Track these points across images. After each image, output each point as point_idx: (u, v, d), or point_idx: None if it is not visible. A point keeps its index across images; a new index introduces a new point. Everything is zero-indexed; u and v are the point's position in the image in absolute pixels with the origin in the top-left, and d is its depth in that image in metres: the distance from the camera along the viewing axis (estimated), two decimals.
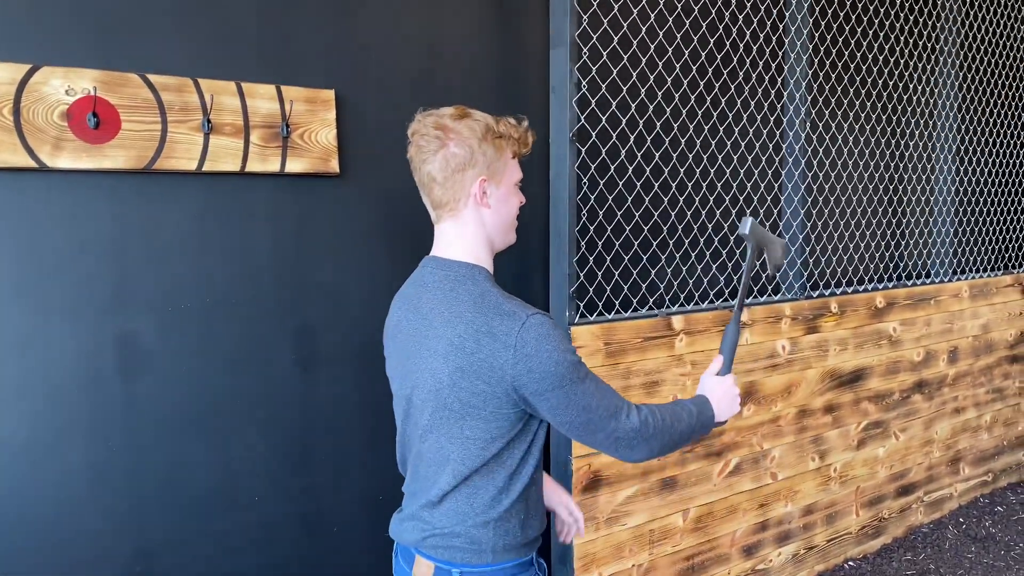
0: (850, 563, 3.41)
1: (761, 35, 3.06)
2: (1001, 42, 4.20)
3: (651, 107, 2.69)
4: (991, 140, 4.22)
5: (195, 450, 1.96)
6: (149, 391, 1.90)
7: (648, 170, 2.73)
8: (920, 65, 3.78)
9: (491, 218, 1.41)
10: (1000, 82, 4.22)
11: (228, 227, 1.99)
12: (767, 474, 3.07)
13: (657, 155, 2.75)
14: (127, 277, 1.86)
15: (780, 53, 3.14)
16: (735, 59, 2.98)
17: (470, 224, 1.40)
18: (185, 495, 1.96)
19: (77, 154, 1.75)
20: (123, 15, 1.83)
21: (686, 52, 2.80)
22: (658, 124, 2.75)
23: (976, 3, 3.99)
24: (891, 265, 3.74)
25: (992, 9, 4.09)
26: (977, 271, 4.14)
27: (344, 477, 2.21)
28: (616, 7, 2.56)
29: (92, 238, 1.82)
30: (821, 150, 3.35)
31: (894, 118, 3.69)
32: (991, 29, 4.13)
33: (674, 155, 2.81)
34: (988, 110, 4.19)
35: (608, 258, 2.63)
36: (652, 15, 2.63)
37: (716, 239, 3.01)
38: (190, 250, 1.93)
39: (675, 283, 2.89)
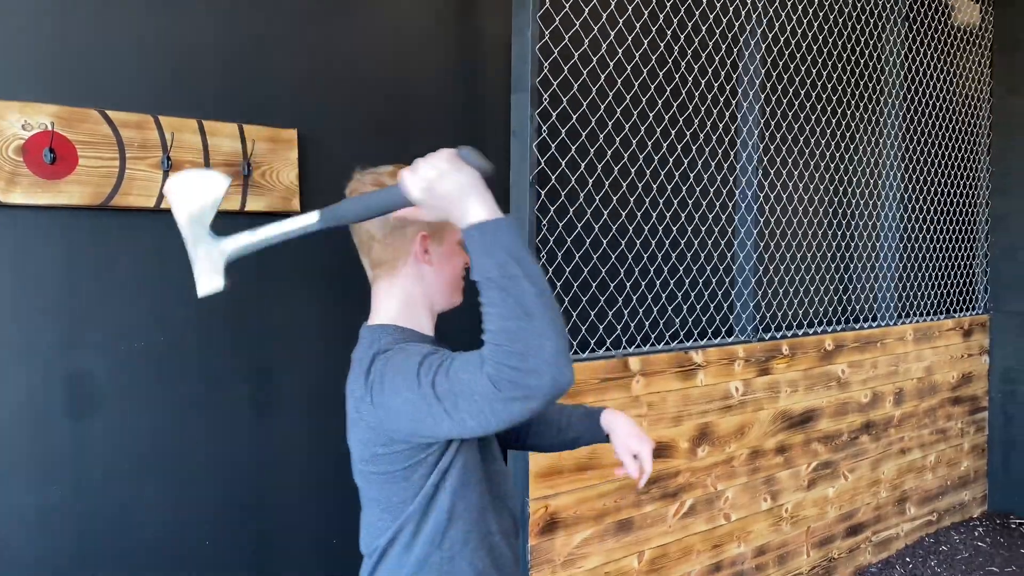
0: None
1: (716, 84, 3.15)
2: (942, 94, 4.38)
3: (609, 152, 2.74)
4: (933, 189, 4.39)
5: (146, 493, 1.91)
6: (99, 432, 1.85)
7: (606, 212, 2.78)
8: (867, 116, 3.92)
9: (433, 277, 1.34)
10: (942, 132, 4.40)
11: (185, 266, 1.95)
12: (721, 515, 3.10)
13: (615, 198, 2.80)
14: (79, 315, 1.82)
15: (733, 102, 3.24)
16: (690, 107, 3.06)
17: (406, 283, 1.33)
18: (134, 539, 1.90)
19: (32, 189, 1.72)
20: (84, 51, 1.81)
21: (643, 98, 2.87)
22: (616, 168, 2.80)
23: (919, 57, 4.17)
24: (840, 308, 3.84)
25: (934, 65, 4.28)
26: (921, 315, 4.27)
27: (297, 521, 2.17)
28: (576, 55, 2.62)
29: (44, 275, 1.78)
30: (772, 196, 3.45)
31: (842, 166, 3.81)
32: (933, 83, 4.31)
33: (631, 199, 2.87)
34: (930, 160, 4.36)
35: (566, 299, 2.66)
36: (611, 63, 2.70)
37: (672, 281, 3.06)
38: (145, 288, 1.90)
39: (632, 324, 2.92)
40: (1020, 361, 4.54)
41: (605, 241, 2.79)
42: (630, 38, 2.79)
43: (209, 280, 1.28)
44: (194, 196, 1.20)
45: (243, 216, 2.03)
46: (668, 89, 2.96)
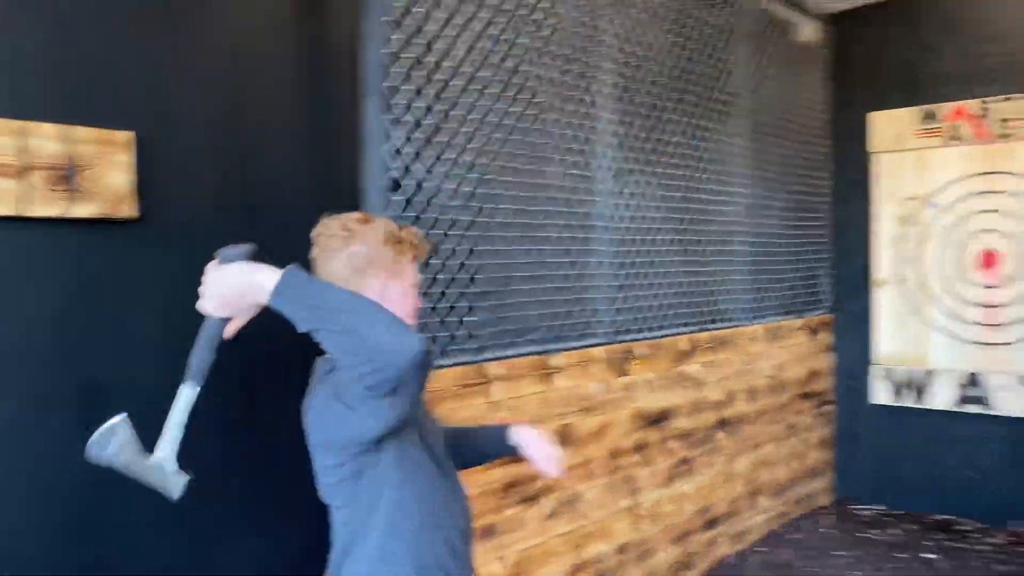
0: None
1: (570, 85, 3.22)
2: (787, 107, 4.65)
3: (467, 158, 2.75)
4: (782, 196, 4.64)
5: None
6: None
7: (465, 219, 2.78)
8: (717, 126, 4.10)
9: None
10: (788, 143, 4.66)
11: (3, 276, 1.82)
12: (582, 515, 3.16)
13: (476, 204, 2.80)
14: None
15: (588, 104, 3.31)
16: (546, 110, 3.10)
17: None
18: None
19: None
20: None
21: (499, 102, 2.89)
22: (473, 174, 2.81)
23: (764, 71, 4.41)
24: (696, 310, 3.99)
25: (778, 79, 4.54)
26: (772, 316, 4.50)
27: (132, 547, 2.05)
28: (431, 58, 2.61)
29: None
30: (628, 202, 3.54)
31: (695, 175, 3.97)
32: (778, 97, 4.56)
33: (491, 204, 2.88)
34: (778, 169, 4.60)
35: (426, 307, 2.64)
36: (467, 66, 2.71)
37: (527, 288, 3.09)
38: None
39: (490, 330, 2.94)
40: (859, 356, 4.86)
41: (465, 247, 2.78)
42: (494, 41, 2.80)
43: (175, 482, 1.47)
44: (113, 448, 1.40)
45: (67, 224, 1.90)
46: (523, 93, 2.99)
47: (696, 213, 3.94)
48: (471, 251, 2.73)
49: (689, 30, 3.83)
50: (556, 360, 3.05)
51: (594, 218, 3.34)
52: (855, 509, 4.79)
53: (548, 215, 3.13)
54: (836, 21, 4.92)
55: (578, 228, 3.27)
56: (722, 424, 3.98)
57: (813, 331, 4.77)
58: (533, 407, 2.93)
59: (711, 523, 3.92)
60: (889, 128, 4.70)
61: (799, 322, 4.63)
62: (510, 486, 2.84)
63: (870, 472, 4.85)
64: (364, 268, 1.55)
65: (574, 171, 3.19)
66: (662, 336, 3.61)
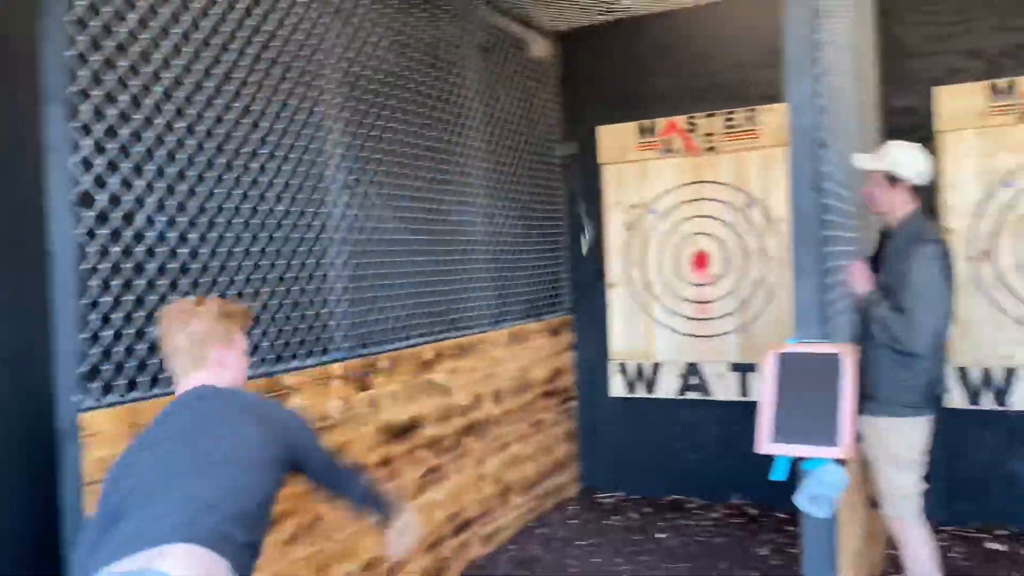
0: None
1: (293, 97, 3.11)
2: (523, 120, 4.85)
3: (168, 169, 2.56)
4: (521, 205, 4.83)
5: None
6: None
7: (171, 234, 2.58)
8: (452, 137, 4.18)
9: (229, 376, 2.03)
10: (525, 153, 4.86)
11: None
12: (325, 537, 3.06)
13: (185, 216, 2.62)
14: None
15: (315, 121, 3.22)
16: (267, 122, 2.98)
17: (214, 378, 1.99)
18: None
19: None
20: None
21: (210, 110, 2.73)
22: (178, 186, 2.63)
23: (497, 84, 4.57)
24: (438, 319, 4.03)
25: (512, 93, 4.72)
26: (514, 319, 4.67)
27: None
28: (130, 64, 2.39)
29: None
30: (363, 213, 3.50)
31: (435, 185, 4.01)
32: (513, 109, 4.74)
33: (202, 219, 2.70)
34: (517, 178, 4.79)
35: (128, 333, 2.41)
36: (157, 72, 2.52)
37: (255, 305, 2.95)
38: None
39: None
40: (598, 353, 5.19)
41: (174, 265, 2.58)
42: (201, 44, 2.63)
43: None
44: None
45: None
46: (239, 100, 2.85)
47: (434, 224, 3.99)
48: (183, 269, 2.54)
49: (417, 42, 3.87)
50: (290, 379, 2.93)
51: (327, 230, 3.26)
52: (599, 498, 5.09)
53: (278, 227, 3.00)
54: (563, 39, 5.21)
55: (311, 241, 3.17)
56: (470, 428, 4.06)
57: (554, 332, 5.01)
58: None
59: (463, 527, 3.98)
60: (614, 141, 5.06)
61: (540, 324, 4.85)
62: None
63: (610, 461, 5.18)
64: (203, 342, 1.97)
65: (301, 182, 3.09)
66: (405, 347, 3.61)
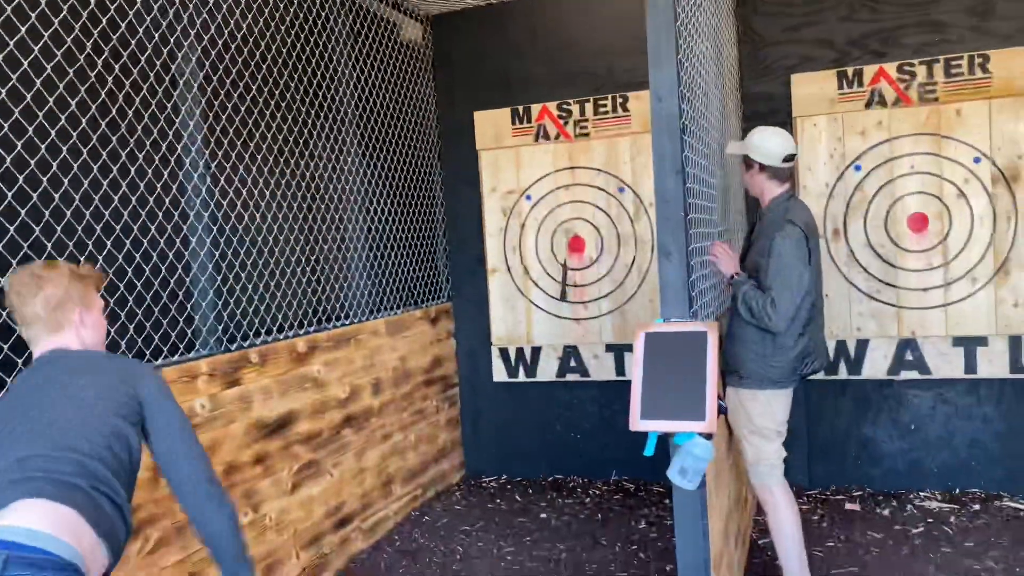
0: None
1: (151, 88, 2.94)
2: (396, 105, 4.77)
3: (33, 161, 2.37)
4: (396, 192, 4.76)
5: None
6: None
7: (37, 228, 2.39)
8: (324, 124, 4.07)
9: (91, 337, 2.00)
10: (400, 140, 4.79)
11: None
12: (196, 541, 2.93)
13: (45, 209, 2.43)
14: None
15: (171, 107, 3.06)
16: (126, 109, 2.80)
17: (75, 341, 1.97)
18: None
19: None
20: None
21: (71, 101, 2.54)
22: (45, 178, 2.43)
23: (369, 69, 4.47)
24: (311, 311, 3.93)
25: (384, 78, 4.63)
26: (392, 308, 4.61)
27: None
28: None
29: None
30: (227, 204, 3.35)
31: (306, 174, 3.89)
32: (386, 95, 4.66)
33: (65, 210, 2.52)
34: (392, 165, 4.71)
35: None
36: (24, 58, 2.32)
37: (109, 298, 2.78)
38: None
39: None
40: (480, 339, 5.19)
41: (39, 258, 2.39)
42: (47, 34, 2.43)
43: None
44: None
45: None
46: (83, 79, 2.66)
47: (306, 212, 3.87)
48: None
49: (283, 24, 3.73)
50: None
51: (190, 220, 3.10)
52: (483, 482, 5.12)
53: (133, 214, 2.83)
54: (436, 23, 5.16)
55: (172, 231, 3.01)
56: (348, 421, 3.98)
57: (433, 320, 4.98)
58: None
59: (344, 521, 3.90)
60: (490, 127, 5.06)
61: (419, 312, 4.80)
62: None
63: (493, 446, 5.21)
64: (61, 305, 1.92)
65: (158, 170, 2.92)
66: (277, 340, 3.49)
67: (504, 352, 5.12)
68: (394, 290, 4.65)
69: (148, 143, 2.91)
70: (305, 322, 3.84)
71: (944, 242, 4.29)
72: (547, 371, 5.05)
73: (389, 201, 4.68)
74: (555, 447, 5.07)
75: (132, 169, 2.82)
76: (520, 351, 5.09)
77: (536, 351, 5.05)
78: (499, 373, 5.15)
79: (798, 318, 2.96)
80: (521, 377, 5.11)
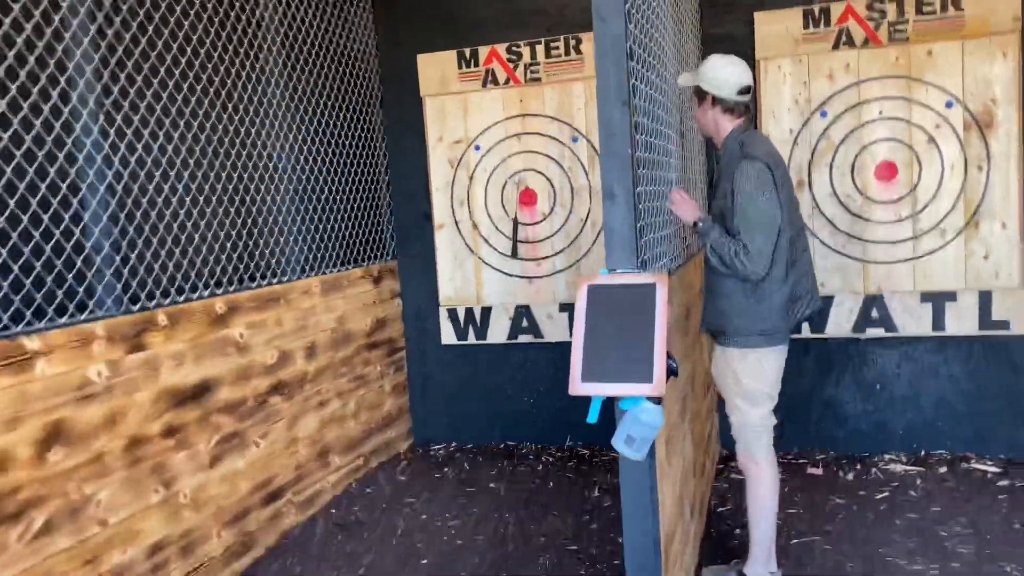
0: None
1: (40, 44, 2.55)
2: (330, 49, 4.39)
3: None
4: (332, 142, 4.40)
5: None
6: None
7: None
8: (248, 72, 3.69)
9: None
10: (335, 86, 4.42)
11: None
12: (94, 523, 2.63)
13: None
14: None
15: (60, 53, 2.67)
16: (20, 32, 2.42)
17: None
18: None
19: None
20: None
21: None
22: None
23: (299, 12, 4.09)
24: (232, 268, 3.59)
25: (316, 20, 4.25)
26: (329, 267, 4.28)
27: None
28: None
29: None
30: (123, 145, 2.99)
31: (225, 123, 3.52)
32: (318, 37, 4.28)
33: None
34: (326, 113, 4.35)
35: None
36: None
37: None
38: None
39: None
40: (427, 299, 4.89)
41: None
42: None
43: None
44: None
45: None
46: None
47: (228, 159, 3.51)
48: None
49: None
50: (34, 343, 2.44)
51: (84, 165, 2.74)
52: (432, 450, 4.85)
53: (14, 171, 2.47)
54: None
55: (57, 175, 2.65)
56: (277, 388, 3.67)
57: (376, 279, 4.66)
58: (3, 405, 2.32)
59: (274, 496, 3.62)
60: (435, 71, 4.70)
61: (360, 271, 4.48)
62: None
63: (443, 412, 4.94)
64: None
65: (45, 92, 2.55)
66: (190, 300, 3.16)
67: (453, 313, 4.83)
68: (331, 247, 4.31)
69: (32, 59, 2.53)
70: (224, 281, 3.50)
71: (913, 192, 4.06)
72: (498, 333, 4.77)
73: (324, 151, 4.32)
74: (507, 413, 4.82)
75: (13, 87, 2.45)
76: (470, 312, 4.80)
77: (487, 312, 4.77)
78: (448, 335, 4.87)
79: (778, 260, 2.65)
80: (471, 339, 4.82)
